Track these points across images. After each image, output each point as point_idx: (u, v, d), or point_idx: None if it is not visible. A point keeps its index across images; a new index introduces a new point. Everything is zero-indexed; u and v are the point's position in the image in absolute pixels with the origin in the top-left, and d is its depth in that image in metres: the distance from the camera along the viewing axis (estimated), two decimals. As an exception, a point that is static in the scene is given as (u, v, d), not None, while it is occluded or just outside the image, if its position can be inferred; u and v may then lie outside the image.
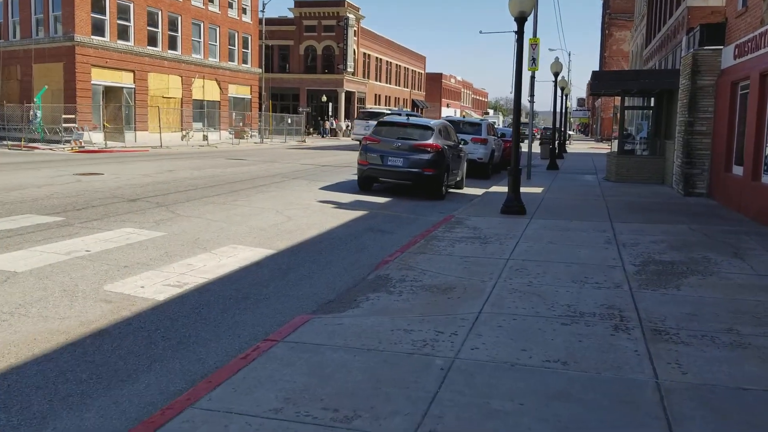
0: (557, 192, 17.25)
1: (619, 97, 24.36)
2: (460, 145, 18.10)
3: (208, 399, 3.99)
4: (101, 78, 35.17)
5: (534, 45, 20.22)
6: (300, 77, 66.37)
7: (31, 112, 33.11)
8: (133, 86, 37.23)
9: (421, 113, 77.04)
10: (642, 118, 26.68)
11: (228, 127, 45.23)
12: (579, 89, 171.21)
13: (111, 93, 36.22)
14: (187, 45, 41.52)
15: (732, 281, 7.41)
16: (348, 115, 67.91)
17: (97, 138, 32.76)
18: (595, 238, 10.01)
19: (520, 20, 12.49)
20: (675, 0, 24.91)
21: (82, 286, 6.65)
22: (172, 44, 40.29)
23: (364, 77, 71.97)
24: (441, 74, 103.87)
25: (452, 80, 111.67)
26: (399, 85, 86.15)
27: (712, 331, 5.52)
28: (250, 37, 49.37)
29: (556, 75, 29.43)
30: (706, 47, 16.29)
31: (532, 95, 21.87)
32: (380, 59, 78.39)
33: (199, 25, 42.87)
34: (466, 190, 18.10)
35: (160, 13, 38.92)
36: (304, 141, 48.95)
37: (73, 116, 32.70)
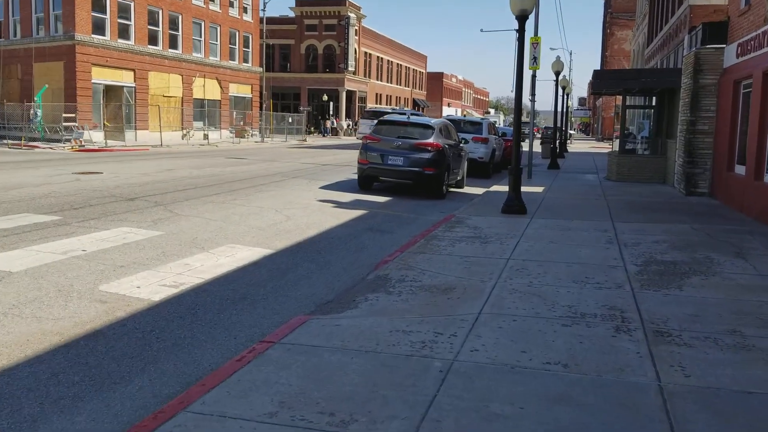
0: (558, 191, 17.16)
1: (621, 96, 24.26)
2: (461, 144, 18.01)
3: (202, 403, 3.91)
4: (102, 77, 35.11)
5: (535, 44, 20.12)
6: (301, 76, 66.29)
7: (32, 111, 33.06)
8: (134, 85, 37.16)
9: (422, 113, 76.95)
10: (643, 117, 26.57)
11: (229, 126, 45.16)
12: (580, 88, 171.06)
13: (111, 92, 36.16)
14: (187, 44, 41.44)
15: (735, 282, 7.33)
16: (349, 115, 67.86)
17: (97, 137, 32.70)
18: (596, 238, 9.93)
19: (522, 18, 12.41)
20: (677, -1, 24.81)
21: (77, 286, 6.58)
22: (172, 43, 40.22)
23: (365, 76, 71.89)
24: (442, 73, 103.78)
25: (453, 79, 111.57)
26: (400, 85, 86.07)
27: (715, 333, 5.44)
28: (251, 36, 49.30)
29: (557, 74, 29.34)
30: (708, 46, 16.20)
31: (533, 94, 21.77)
32: (381, 58, 78.31)
33: (200, 24, 42.79)
34: (467, 190, 18.02)
35: (160, 12, 38.85)
36: (305, 140, 48.87)
37: (73, 115, 32.63)
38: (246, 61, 48.76)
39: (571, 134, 68.46)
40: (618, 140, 24.32)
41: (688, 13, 21.93)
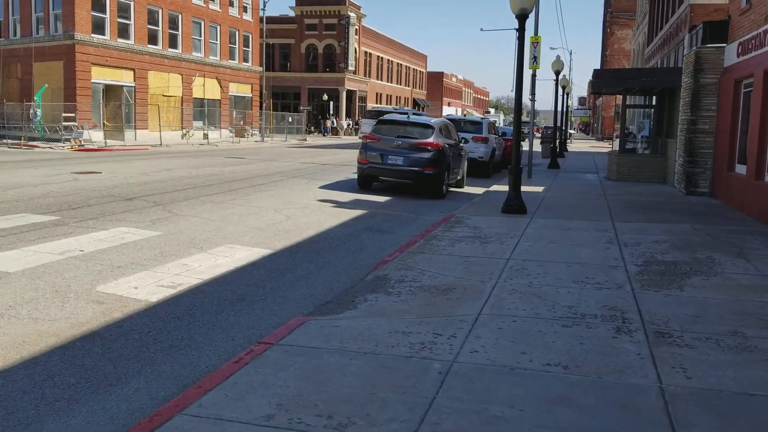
0: (558, 191, 17.12)
1: (621, 96, 24.21)
2: (461, 144, 17.97)
3: (198, 405, 3.87)
4: (101, 76, 35.06)
5: (535, 43, 20.08)
6: (301, 76, 66.25)
7: (31, 111, 33.01)
8: (134, 85, 37.12)
9: (424, 112, 76.91)
10: (643, 116, 26.53)
11: (228, 125, 45.11)
12: (580, 88, 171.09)
13: (111, 91, 36.11)
14: (187, 43, 41.40)
15: (736, 282, 7.29)
16: (349, 114, 67.81)
17: (96, 136, 32.67)
18: (596, 238, 9.89)
19: (522, 17, 12.36)
20: (677, -2, 24.76)
21: (74, 286, 6.53)
22: (172, 42, 40.17)
23: (365, 76, 71.84)
24: (442, 73, 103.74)
25: (453, 79, 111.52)
26: (400, 84, 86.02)
27: (716, 334, 5.40)
28: (251, 36, 49.25)
29: (557, 73, 29.30)
30: (708, 45, 16.15)
31: (533, 94, 21.73)
32: (381, 58, 78.25)
33: (200, 24, 42.74)
34: (467, 189, 17.98)
35: (160, 11, 38.81)
36: (305, 140, 48.83)
37: (73, 115, 32.59)
38: (246, 60, 48.71)
39: (571, 134, 68.41)
40: (618, 140, 24.27)
41: (688, 12, 21.89)
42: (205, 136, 39.96)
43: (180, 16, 40.55)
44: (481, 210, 12.77)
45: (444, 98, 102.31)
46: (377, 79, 76.87)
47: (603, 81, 22.85)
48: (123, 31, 36.23)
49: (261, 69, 50.91)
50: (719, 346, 5.13)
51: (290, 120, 50.54)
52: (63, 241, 8.50)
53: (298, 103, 64.98)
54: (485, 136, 22.61)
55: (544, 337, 5.20)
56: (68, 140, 31.00)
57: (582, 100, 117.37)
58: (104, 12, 34.95)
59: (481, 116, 32.98)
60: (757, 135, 12.73)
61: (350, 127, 64.83)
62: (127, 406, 4.11)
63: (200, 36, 42.85)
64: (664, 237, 10.10)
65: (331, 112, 64.36)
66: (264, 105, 49.93)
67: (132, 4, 36.55)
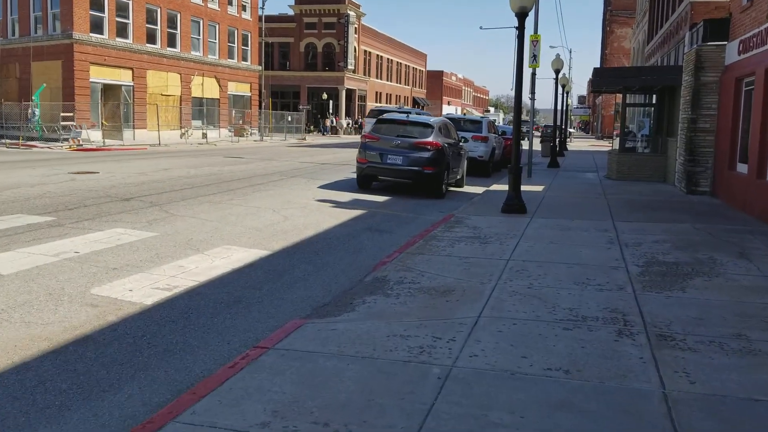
0: (558, 190, 17.04)
1: (621, 94, 24.12)
2: (461, 143, 17.88)
3: (192, 412, 3.79)
4: (100, 76, 34.96)
5: (535, 42, 19.99)
6: (300, 75, 66.14)
7: (30, 111, 32.91)
8: (132, 84, 37.01)
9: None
10: (643, 115, 26.45)
11: (227, 124, 45.01)
12: (580, 86, 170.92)
13: (109, 91, 36.01)
14: (186, 42, 41.29)
15: (738, 283, 7.21)
16: (349, 113, 67.70)
17: (95, 136, 32.57)
18: (597, 238, 9.81)
19: (521, 16, 12.27)
20: (677, -4, 24.67)
21: (68, 289, 6.45)
22: (171, 42, 40.06)
23: (364, 75, 71.73)
24: (442, 72, 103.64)
25: (453, 78, 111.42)
26: (400, 83, 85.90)
27: (719, 337, 5.32)
28: (249, 35, 49.13)
29: (557, 72, 29.19)
30: (709, 43, 16.06)
31: (533, 92, 21.64)
32: (381, 57, 78.13)
33: (199, 23, 42.63)
34: (467, 189, 17.89)
35: (159, 10, 38.69)
36: (305, 139, 48.74)
37: (71, 114, 32.49)
38: (245, 59, 48.60)
39: (570, 132, 68.32)
40: (618, 138, 24.18)
41: (688, 10, 21.80)
42: (204, 136, 39.86)
43: (178, 15, 40.44)
44: (481, 210, 12.68)
45: (444, 97, 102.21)
46: (377, 77, 76.76)
47: (603, 79, 22.76)
48: (121, 31, 36.12)
49: (260, 68, 50.79)
50: (722, 349, 5.05)
51: (289, 119, 50.43)
52: (58, 243, 8.42)
53: (297, 102, 64.88)
54: (485, 135, 22.52)
55: (545, 341, 5.12)
56: (66, 140, 30.90)
57: (582, 99, 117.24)
58: (103, 11, 34.84)
59: (481, 115, 32.89)
60: (759, 133, 12.65)
61: (350, 126, 64.73)
62: (120, 413, 4.03)
63: (199, 35, 42.74)
64: (665, 237, 10.01)
65: (331, 111, 64.26)
66: (263, 104, 49.83)
67: (130, 3, 36.44)
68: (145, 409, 4.07)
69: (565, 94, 44.73)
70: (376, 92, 76.56)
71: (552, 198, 15.12)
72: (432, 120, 16.45)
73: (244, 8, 48.16)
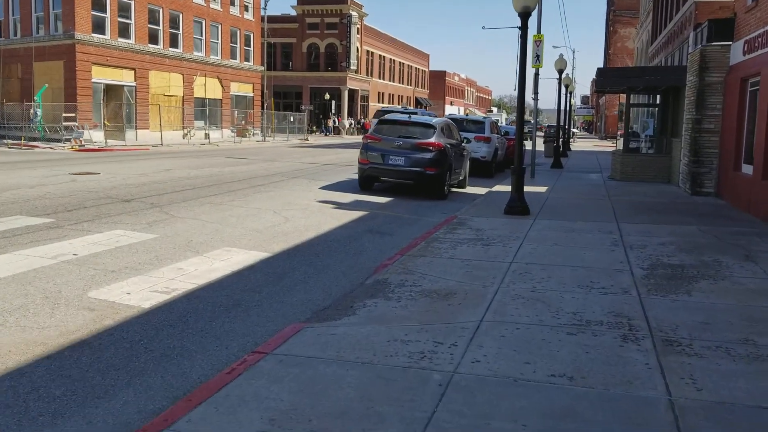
0: (561, 191, 16.93)
1: (624, 95, 23.99)
2: (463, 144, 17.78)
3: (187, 420, 3.70)
4: (102, 76, 34.93)
5: (538, 42, 19.89)
6: (303, 75, 66.12)
7: (32, 111, 32.89)
8: (134, 84, 36.98)
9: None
10: (648, 115, 26.31)
11: (230, 125, 44.96)
12: (583, 86, 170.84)
13: (112, 91, 35.98)
14: (188, 43, 41.25)
15: (745, 286, 7.10)
16: (351, 113, 67.64)
17: (97, 136, 32.53)
18: (601, 240, 9.70)
19: (524, 16, 12.18)
20: (681, -4, 24.53)
21: (65, 292, 6.37)
22: (173, 42, 40.03)
23: (367, 75, 71.66)
24: (444, 72, 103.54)
25: (456, 78, 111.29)
26: (402, 83, 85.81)
27: (726, 342, 5.22)
28: (252, 35, 49.09)
29: (560, 72, 29.09)
30: (714, 43, 15.94)
31: (536, 93, 21.53)
32: (383, 57, 78.06)
33: (201, 23, 42.60)
34: (469, 190, 17.79)
35: (161, 10, 38.66)
36: (307, 139, 48.66)
37: (73, 115, 32.46)
38: (247, 59, 48.55)
39: (574, 133, 68.15)
40: (622, 139, 24.06)
41: (693, 9, 21.66)
42: (207, 136, 39.80)
43: (181, 16, 40.41)
44: (484, 211, 12.59)
45: (446, 97, 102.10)
46: (379, 78, 76.69)
47: (606, 79, 22.64)
48: (123, 31, 36.09)
49: (262, 68, 50.75)
50: (730, 354, 4.95)
51: (292, 119, 50.38)
52: (56, 245, 8.34)
53: (299, 102, 64.83)
54: (488, 135, 22.42)
55: (549, 346, 5.02)
56: (68, 140, 30.86)
57: (585, 99, 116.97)
58: (104, 11, 34.81)
59: (484, 115, 32.75)
60: (764, 134, 12.53)
61: (352, 126, 64.66)
62: (114, 421, 3.94)
63: (201, 35, 42.70)
64: (670, 239, 9.91)
65: (333, 111, 64.20)
66: (265, 104, 49.80)
67: (132, 3, 36.41)
68: (140, 417, 3.99)
69: (568, 94, 44.60)
70: (379, 92, 76.49)
71: (555, 199, 15.01)
72: (434, 120, 16.35)
73: (246, 9, 48.12)
